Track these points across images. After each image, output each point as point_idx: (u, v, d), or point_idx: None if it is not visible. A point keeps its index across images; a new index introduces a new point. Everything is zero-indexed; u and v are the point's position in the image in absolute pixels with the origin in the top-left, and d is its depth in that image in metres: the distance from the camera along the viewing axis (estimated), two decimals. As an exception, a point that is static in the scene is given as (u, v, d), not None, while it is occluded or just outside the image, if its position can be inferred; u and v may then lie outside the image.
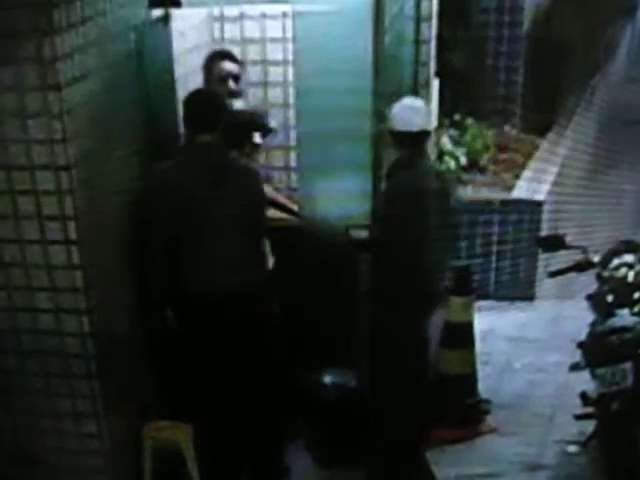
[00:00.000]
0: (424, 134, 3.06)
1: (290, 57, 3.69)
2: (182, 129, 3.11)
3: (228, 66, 3.55)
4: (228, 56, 3.58)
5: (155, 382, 3.03)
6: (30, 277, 2.64)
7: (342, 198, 3.35)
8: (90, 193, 2.63)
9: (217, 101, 3.05)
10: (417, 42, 3.66)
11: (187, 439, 2.90)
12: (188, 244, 2.89)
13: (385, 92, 3.25)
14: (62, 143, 2.50)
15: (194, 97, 3.01)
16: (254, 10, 3.78)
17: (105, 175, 2.73)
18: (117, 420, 2.80)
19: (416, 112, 3.05)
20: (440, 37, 3.85)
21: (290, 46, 3.65)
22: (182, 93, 3.17)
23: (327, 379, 3.36)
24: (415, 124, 3.02)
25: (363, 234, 3.25)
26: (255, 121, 3.41)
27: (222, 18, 3.87)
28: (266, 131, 3.48)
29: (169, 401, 3.03)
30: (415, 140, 3.03)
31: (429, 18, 3.67)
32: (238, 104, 3.57)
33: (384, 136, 3.12)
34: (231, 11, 3.81)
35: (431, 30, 3.70)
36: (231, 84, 3.55)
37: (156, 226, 2.87)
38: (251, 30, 3.86)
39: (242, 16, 3.84)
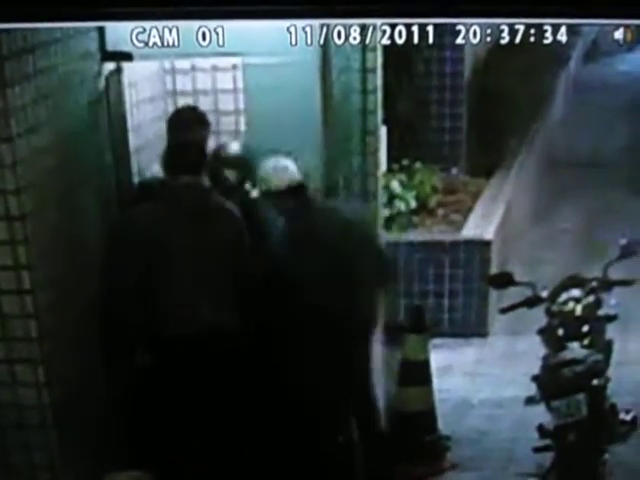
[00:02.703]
0: (301, 185, 3.20)
1: (241, 107, 3.79)
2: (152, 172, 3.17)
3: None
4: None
5: (117, 429, 2.97)
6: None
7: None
8: (44, 242, 2.62)
9: (200, 145, 3.16)
10: (364, 92, 3.81)
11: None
12: (167, 283, 2.91)
13: (334, 140, 3.37)
14: (15, 194, 2.51)
15: (179, 141, 3.12)
16: (205, 63, 3.88)
17: (61, 224, 2.73)
18: (74, 471, 2.73)
19: (287, 168, 3.18)
20: (386, 87, 4.01)
21: (241, 97, 3.76)
22: (136, 142, 3.21)
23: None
24: (293, 177, 3.15)
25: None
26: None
27: (174, 71, 3.96)
28: None
29: (134, 448, 2.98)
30: (298, 191, 3.16)
31: (374, 69, 3.83)
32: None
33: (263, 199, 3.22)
34: (183, 64, 3.91)
35: (377, 80, 3.85)
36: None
37: (133, 265, 2.89)
38: (203, 82, 3.96)
39: (194, 68, 3.94)
